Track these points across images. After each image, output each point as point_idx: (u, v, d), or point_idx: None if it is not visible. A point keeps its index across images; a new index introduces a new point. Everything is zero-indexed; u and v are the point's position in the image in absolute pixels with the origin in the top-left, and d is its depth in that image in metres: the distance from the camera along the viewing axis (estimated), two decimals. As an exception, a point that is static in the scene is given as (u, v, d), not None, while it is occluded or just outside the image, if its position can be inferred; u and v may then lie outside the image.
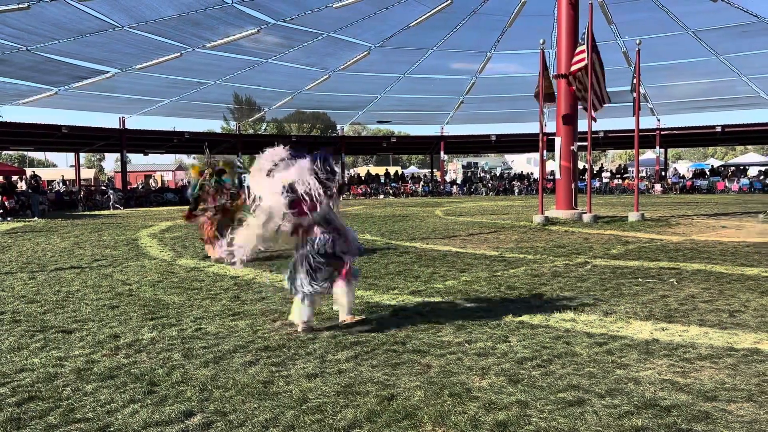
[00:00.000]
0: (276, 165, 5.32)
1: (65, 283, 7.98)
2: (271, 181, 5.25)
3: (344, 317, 5.41)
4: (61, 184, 37.19)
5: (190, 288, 7.52)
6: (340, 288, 5.35)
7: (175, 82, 30.29)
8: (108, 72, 27.82)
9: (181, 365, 4.46)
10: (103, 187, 35.59)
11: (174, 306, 6.49)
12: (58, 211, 26.54)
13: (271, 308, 6.28)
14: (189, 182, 10.76)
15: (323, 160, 5.28)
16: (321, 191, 5.15)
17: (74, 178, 39.82)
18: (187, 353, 4.76)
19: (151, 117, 37.13)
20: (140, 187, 38.71)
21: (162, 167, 62.65)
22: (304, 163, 5.28)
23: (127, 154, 38.45)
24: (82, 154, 43.65)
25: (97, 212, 26.13)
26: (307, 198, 5.15)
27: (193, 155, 64.41)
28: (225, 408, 3.65)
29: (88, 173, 57.32)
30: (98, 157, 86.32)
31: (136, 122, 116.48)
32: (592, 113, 15.68)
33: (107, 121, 47.82)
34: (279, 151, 5.38)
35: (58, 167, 69.98)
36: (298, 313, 5.31)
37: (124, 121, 33.88)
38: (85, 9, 21.28)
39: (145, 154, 43.22)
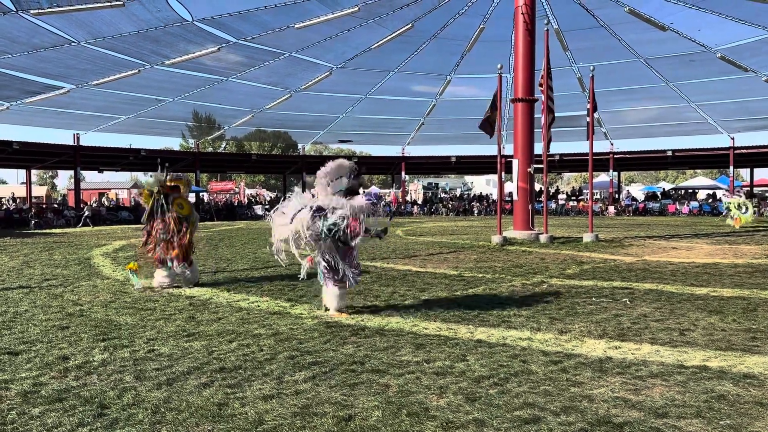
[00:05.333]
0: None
1: (13, 304, 7.71)
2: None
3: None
4: (11, 202, 36.00)
5: (143, 308, 7.34)
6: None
7: (133, 99, 29.85)
8: (63, 88, 27.24)
9: (132, 387, 4.34)
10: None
11: (126, 327, 6.32)
12: (8, 229, 25.67)
13: (228, 329, 6.18)
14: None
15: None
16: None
17: (25, 195, 38.64)
18: (139, 375, 4.64)
19: (106, 134, 36.46)
20: (93, 204, 37.79)
21: (117, 185, 61.28)
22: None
23: (81, 172, 37.52)
24: (33, 171, 42.46)
25: (48, 230, 25.36)
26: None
27: (150, 173, 63.35)
28: (178, 431, 3.57)
29: (39, 190, 55.63)
30: (51, 174, 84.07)
31: (91, 139, 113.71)
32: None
33: (61, 137, 46.72)
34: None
35: (9, 184, 67.80)
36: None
37: (78, 138, 33.14)
38: (40, 23, 20.83)
39: (100, 171, 42.27)
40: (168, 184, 9.17)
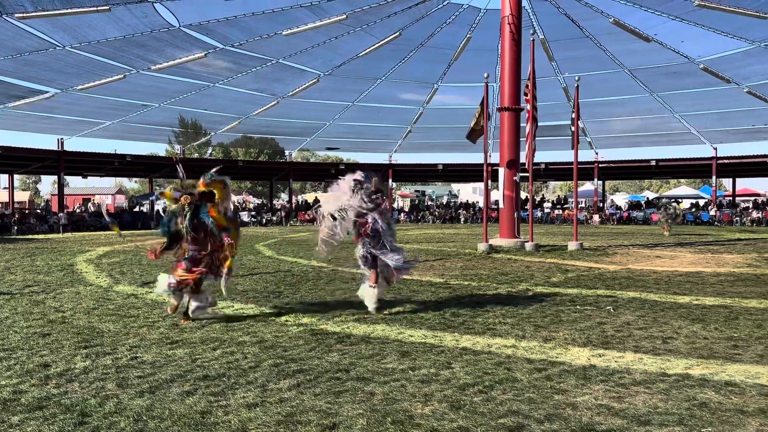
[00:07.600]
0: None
1: (-7, 310, 7.60)
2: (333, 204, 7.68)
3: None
4: (-8, 207, 35.56)
5: (126, 315, 7.27)
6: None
7: (118, 104, 29.66)
8: (47, 92, 27.01)
9: (114, 395, 4.30)
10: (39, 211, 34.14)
11: (109, 334, 6.26)
12: (-11, 235, 25.34)
13: (212, 336, 6.14)
14: (164, 210, 7.54)
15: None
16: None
17: (7, 200, 38.19)
18: (121, 383, 4.59)
19: (91, 139, 36.29)
20: (78, 210, 37.44)
21: (101, 190, 60.75)
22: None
23: (65, 177, 37.17)
24: (16, 176, 41.99)
25: (31, 236, 25.06)
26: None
27: (135, 179, 62.87)
28: (160, 439, 3.53)
29: (22, 196, 55.05)
30: (34, 179, 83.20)
31: (75, 144, 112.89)
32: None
33: (45, 142, 46.27)
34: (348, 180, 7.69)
35: (-10, 189, 66.94)
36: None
37: (62, 143, 32.84)
38: (24, 27, 20.66)
39: (84, 176, 41.88)
40: (195, 191, 7.02)
